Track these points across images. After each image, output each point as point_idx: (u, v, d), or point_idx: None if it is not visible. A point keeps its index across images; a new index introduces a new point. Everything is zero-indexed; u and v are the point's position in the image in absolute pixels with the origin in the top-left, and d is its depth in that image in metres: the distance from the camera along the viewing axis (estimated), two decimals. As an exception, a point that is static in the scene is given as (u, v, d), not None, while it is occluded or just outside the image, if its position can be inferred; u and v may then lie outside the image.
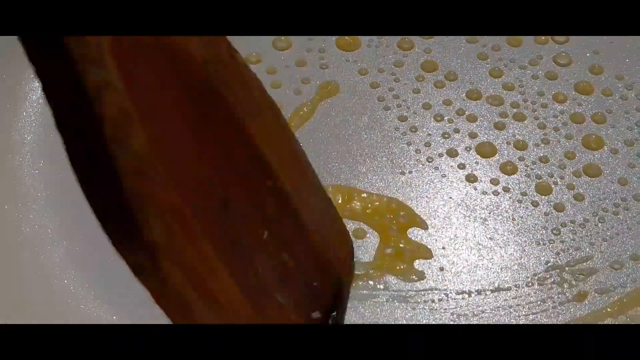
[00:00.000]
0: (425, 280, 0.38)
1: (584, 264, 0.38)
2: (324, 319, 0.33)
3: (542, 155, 0.42)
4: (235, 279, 0.28)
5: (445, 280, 0.38)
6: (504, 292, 0.38)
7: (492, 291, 0.38)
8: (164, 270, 0.24)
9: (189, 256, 0.25)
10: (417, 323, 0.37)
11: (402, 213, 0.40)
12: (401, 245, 0.39)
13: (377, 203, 0.40)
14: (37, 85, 0.44)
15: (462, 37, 0.47)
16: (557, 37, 0.46)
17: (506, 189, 0.41)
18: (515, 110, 0.44)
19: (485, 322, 0.37)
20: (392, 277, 0.38)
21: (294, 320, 0.31)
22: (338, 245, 0.36)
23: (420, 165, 0.42)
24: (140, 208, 0.23)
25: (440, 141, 0.43)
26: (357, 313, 0.37)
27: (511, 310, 0.37)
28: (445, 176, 0.41)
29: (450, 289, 0.38)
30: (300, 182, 0.33)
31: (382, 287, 0.38)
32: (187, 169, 0.26)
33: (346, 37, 0.47)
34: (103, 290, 0.38)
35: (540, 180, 0.41)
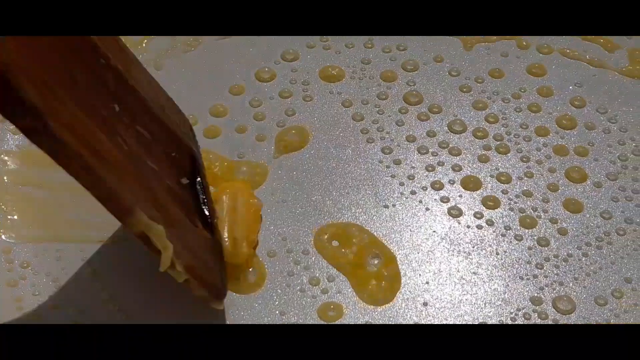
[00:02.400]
0: (408, 316, 0.38)
1: (568, 299, 0.38)
2: (192, 183, 0.38)
3: (525, 188, 0.42)
4: (112, 143, 0.32)
5: (429, 316, 0.38)
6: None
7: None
8: (54, 129, 0.29)
9: (68, 118, 0.30)
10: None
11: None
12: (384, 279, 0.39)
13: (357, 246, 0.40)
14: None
15: (445, 69, 0.47)
16: (535, 70, 0.47)
17: (490, 223, 0.41)
18: (498, 142, 0.44)
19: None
20: (377, 311, 0.38)
21: (170, 184, 0.36)
22: (180, 121, 0.41)
23: (404, 199, 0.42)
24: (14, 76, 0.28)
25: (424, 174, 0.43)
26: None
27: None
28: (429, 209, 0.41)
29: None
30: (129, 63, 0.38)
31: (365, 320, 0.38)
32: (39, 53, 0.31)
33: (330, 68, 0.47)
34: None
35: (524, 214, 0.41)
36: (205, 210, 0.38)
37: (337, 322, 0.38)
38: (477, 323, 0.38)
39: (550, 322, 0.38)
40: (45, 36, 0.31)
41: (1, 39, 0.28)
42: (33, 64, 0.29)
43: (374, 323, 0.38)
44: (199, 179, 0.39)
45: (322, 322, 0.38)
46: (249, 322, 0.38)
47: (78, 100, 0.31)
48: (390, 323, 0.38)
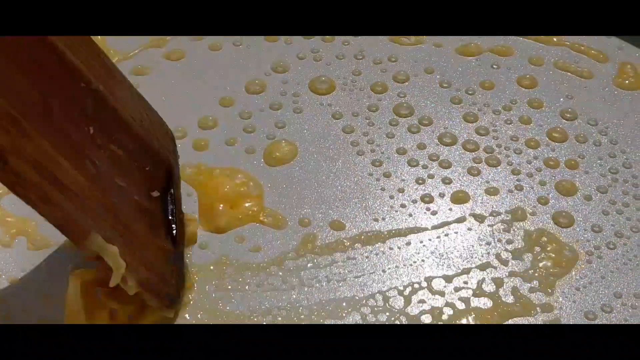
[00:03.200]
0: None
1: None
2: (163, 196, 0.39)
3: (515, 201, 0.42)
4: (78, 170, 0.33)
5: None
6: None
7: (465, 342, 0.38)
8: (12, 164, 0.30)
9: (30, 151, 0.31)
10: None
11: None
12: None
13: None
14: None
15: (436, 80, 0.47)
16: (526, 82, 0.47)
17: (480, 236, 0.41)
18: (488, 155, 0.44)
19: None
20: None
21: (138, 199, 0.37)
22: (160, 134, 0.42)
23: (394, 212, 0.42)
24: None
25: (414, 187, 0.42)
26: None
27: None
28: (419, 223, 0.41)
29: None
30: (111, 81, 0.38)
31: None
32: (10, 85, 0.31)
33: (320, 80, 0.47)
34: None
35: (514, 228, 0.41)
36: (171, 222, 0.39)
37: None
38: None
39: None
40: (21, 65, 0.31)
41: None
42: (11, 103, 0.30)
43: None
44: (171, 190, 0.40)
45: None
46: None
47: (46, 129, 0.32)
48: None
